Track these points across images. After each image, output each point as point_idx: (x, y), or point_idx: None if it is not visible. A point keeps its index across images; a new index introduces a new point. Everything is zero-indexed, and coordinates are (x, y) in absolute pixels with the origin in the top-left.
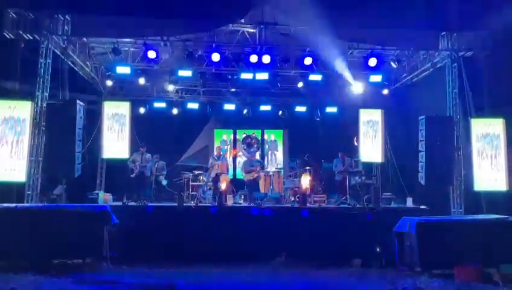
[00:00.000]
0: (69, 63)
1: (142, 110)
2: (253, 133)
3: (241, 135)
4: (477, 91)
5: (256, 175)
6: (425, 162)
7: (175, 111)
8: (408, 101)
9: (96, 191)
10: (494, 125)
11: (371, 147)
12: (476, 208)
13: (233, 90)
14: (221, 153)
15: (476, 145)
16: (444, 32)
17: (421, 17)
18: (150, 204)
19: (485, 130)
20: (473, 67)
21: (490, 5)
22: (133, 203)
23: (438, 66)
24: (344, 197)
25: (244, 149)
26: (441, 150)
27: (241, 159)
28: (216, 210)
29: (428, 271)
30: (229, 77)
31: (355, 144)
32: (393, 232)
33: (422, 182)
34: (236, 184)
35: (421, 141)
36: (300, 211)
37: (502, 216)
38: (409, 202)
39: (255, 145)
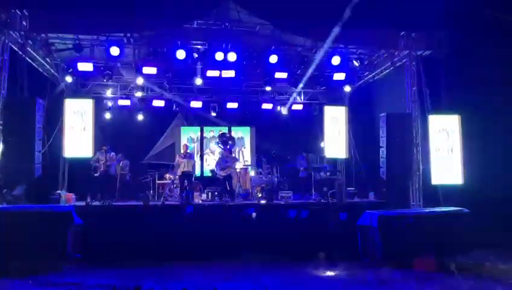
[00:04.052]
0: (28, 59)
1: (106, 107)
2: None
3: (208, 132)
4: (435, 89)
5: (229, 171)
6: (385, 158)
7: (140, 109)
8: (370, 98)
9: (58, 191)
10: (450, 122)
11: (335, 143)
12: (434, 201)
13: (199, 85)
14: (188, 151)
15: (433, 140)
16: (403, 32)
17: (381, 17)
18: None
19: (441, 126)
20: (431, 66)
21: (448, 6)
22: (96, 203)
23: (398, 64)
24: (308, 193)
25: (220, 146)
26: (400, 145)
27: (208, 157)
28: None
29: (389, 262)
30: (195, 74)
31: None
32: (356, 226)
33: (384, 176)
34: (204, 182)
35: (382, 137)
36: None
37: (458, 208)
38: (371, 197)
39: (229, 142)
